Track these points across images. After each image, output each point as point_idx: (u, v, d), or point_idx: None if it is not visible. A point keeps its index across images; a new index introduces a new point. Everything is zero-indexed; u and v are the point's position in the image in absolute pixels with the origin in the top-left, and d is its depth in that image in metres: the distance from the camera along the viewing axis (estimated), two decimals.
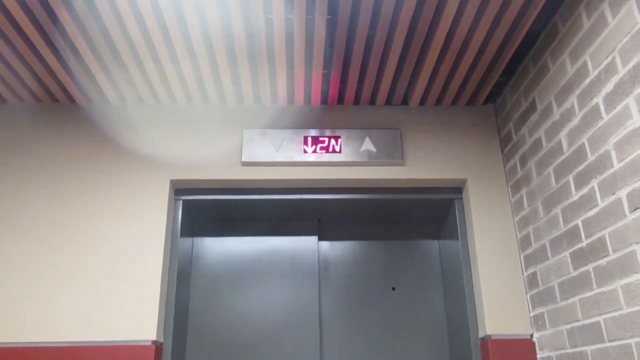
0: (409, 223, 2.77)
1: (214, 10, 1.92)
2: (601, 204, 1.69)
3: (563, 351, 1.93)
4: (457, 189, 2.51)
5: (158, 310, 2.16)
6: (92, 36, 2.04)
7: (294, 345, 2.48)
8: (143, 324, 2.13)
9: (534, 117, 2.17)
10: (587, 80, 1.78)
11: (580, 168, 1.82)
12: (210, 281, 2.61)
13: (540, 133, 2.11)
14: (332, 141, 2.45)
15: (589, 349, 1.76)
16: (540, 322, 2.12)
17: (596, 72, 1.72)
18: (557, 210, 1.97)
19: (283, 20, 1.97)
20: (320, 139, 2.46)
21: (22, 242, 2.25)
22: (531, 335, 2.17)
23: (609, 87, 1.66)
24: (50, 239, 2.25)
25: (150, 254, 2.24)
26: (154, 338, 2.11)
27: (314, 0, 1.88)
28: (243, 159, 2.41)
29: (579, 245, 1.82)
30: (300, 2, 1.88)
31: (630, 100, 1.55)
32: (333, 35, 2.09)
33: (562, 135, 1.94)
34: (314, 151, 2.44)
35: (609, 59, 1.65)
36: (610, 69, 1.65)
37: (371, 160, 2.42)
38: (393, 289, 2.64)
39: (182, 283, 2.45)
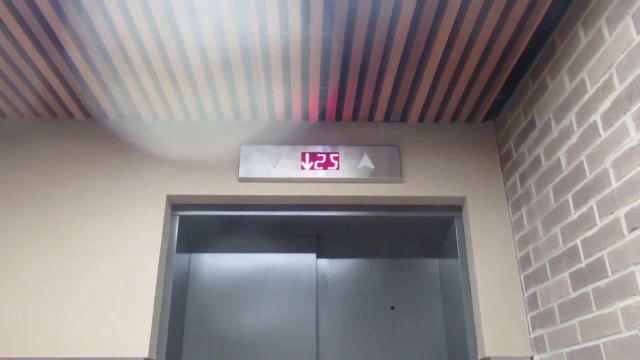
0: (409, 241, 2.73)
1: (209, 28, 1.93)
2: (600, 223, 1.65)
3: None
4: (456, 207, 2.47)
5: (151, 327, 2.13)
6: (89, 53, 2.06)
7: None
8: (135, 340, 2.10)
9: (533, 135, 2.13)
10: (585, 98, 1.75)
11: (579, 186, 1.78)
12: (207, 297, 2.58)
13: (540, 151, 2.07)
14: (330, 157, 2.43)
15: None
16: (540, 345, 2.06)
17: (594, 89, 1.69)
18: (557, 229, 1.93)
19: (279, 37, 1.97)
20: (318, 155, 2.44)
21: (15, 256, 2.24)
22: (531, 358, 2.11)
23: (606, 104, 1.62)
24: (45, 253, 2.24)
25: (145, 269, 2.23)
26: (146, 355, 2.08)
27: (309, 16, 1.88)
28: (240, 175, 2.39)
29: (578, 266, 1.78)
30: (295, 18, 1.88)
31: (627, 118, 1.52)
32: (329, 52, 2.09)
33: (561, 153, 1.90)
34: (312, 167, 2.42)
35: (607, 75, 1.62)
36: (607, 86, 1.62)
37: (369, 177, 2.40)
38: (392, 308, 2.59)
39: (178, 299, 2.43)
